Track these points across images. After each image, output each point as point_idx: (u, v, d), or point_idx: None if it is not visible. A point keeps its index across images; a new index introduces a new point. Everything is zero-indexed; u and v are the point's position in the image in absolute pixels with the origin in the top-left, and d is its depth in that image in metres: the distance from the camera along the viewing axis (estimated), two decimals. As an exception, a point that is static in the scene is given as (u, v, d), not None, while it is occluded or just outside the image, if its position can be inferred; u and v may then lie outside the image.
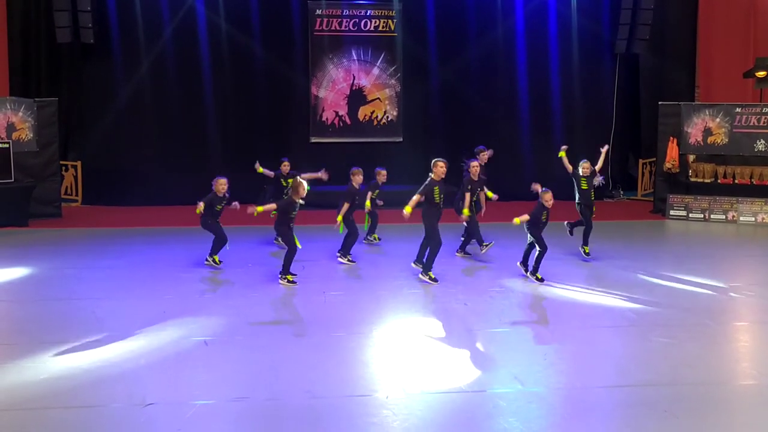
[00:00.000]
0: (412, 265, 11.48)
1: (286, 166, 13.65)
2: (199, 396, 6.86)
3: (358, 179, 12.33)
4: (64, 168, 18.05)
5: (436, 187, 10.72)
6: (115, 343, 8.26)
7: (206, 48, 18.55)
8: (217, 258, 11.84)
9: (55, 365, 7.59)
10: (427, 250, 11.04)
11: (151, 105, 18.62)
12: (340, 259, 12.23)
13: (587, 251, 12.53)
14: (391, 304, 10.04)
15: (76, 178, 18.47)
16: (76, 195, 18.48)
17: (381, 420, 6.42)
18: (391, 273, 11.64)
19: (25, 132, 16.31)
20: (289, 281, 10.76)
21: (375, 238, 13.71)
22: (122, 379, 7.24)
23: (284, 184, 13.10)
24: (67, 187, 18.31)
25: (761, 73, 17.72)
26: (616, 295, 10.47)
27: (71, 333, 8.57)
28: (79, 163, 18.42)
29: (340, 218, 11.87)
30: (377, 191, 13.10)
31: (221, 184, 11.75)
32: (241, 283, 10.99)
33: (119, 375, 7.36)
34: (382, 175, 13.14)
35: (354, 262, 12.25)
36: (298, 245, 10.73)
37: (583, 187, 12.39)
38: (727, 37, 19.83)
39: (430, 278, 10.93)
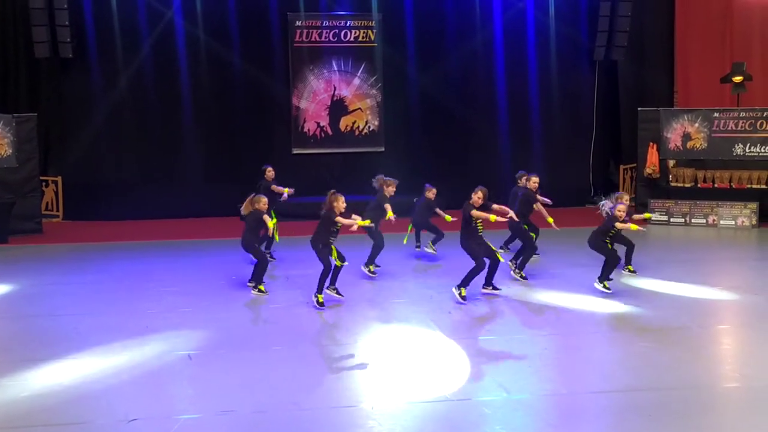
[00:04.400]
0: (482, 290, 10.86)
1: (270, 172, 13.10)
2: (184, 410, 6.82)
3: (390, 190, 11.99)
4: (44, 183, 17.93)
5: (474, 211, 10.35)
6: (98, 359, 8.20)
7: (186, 61, 18.51)
8: (262, 287, 10.99)
9: (37, 382, 7.52)
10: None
11: (131, 119, 18.55)
12: (363, 269, 11.95)
13: (631, 270, 12.08)
14: (376, 314, 10.03)
15: (56, 193, 18.35)
16: (57, 210, 18.35)
17: (366, 431, 6.41)
18: (375, 283, 11.65)
19: (4, 148, 16.18)
20: (319, 302, 10.19)
21: (432, 249, 13.25)
22: (105, 395, 7.18)
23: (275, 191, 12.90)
24: (47, 202, 18.19)
25: (738, 78, 17.91)
26: (599, 300, 10.51)
27: (53, 349, 8.50)
28: (59, 178, 18.31)
29: (367, 222, 10.95)
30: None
31: (264, 204, 10.97)
32: (225, 296, 10.94)
33: (102, 391, 7.30)
34: (432, 192, 12.93)
35: (374, 273, 11.94)
36: (338, 263, 10.27)
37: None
38: (704, 42, 20.02)
39: (461, 295, 10.40)
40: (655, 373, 7.71)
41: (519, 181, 13.20)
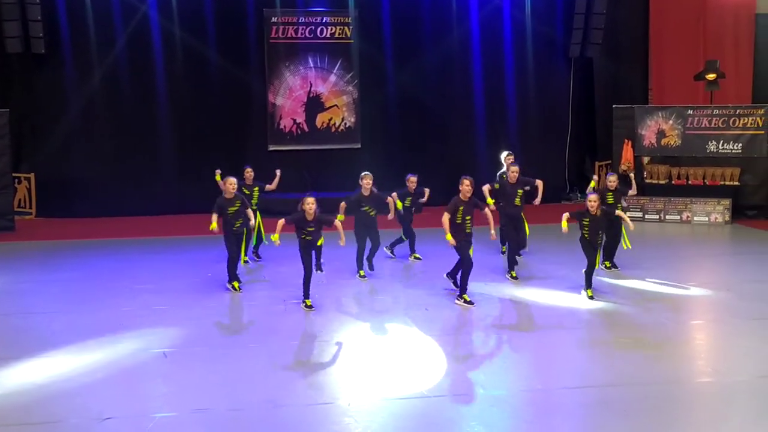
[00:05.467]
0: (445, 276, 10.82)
1: (249, 173, 12.71)
2: (159, 408, 6.77)
3: (365, 184, 11.59)
4: (16, 180, 17.73)
5: (461, 207, 9.95)
6: (72, 357, 8.12)
7: (161, 57, 18.38)
8: (236, 284, 10.93)
9: (9, 381, 7.44)
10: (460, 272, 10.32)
11: (104, 115, 18.38)
12: (357, 276, 11.69)
13: (608, 266, 12.11)
14: (353, 311, 10.02)
15: (29, 190, 18.16)
16: (30, 207, 18.16)
17: (343, 428, 6.40)
18: (351, 280, 11.62)
19: (-24, 144, 15.99)
20: (307, 306, 9.96)
21: (415, 257, 12.87)
22: (79, 394, 7.11)
23: (246, 192, 12.28)
24: (20, 199, 18.00)
25: (711, 76, 18.08)
26: (575, 297, 10.56)
27: (26, 348, 8.41)
28: (32, 175, 18.11)
29: (341, 217, 10.83)
30: (409, 199, 12.51)
31: (230, 184, 10.62)
32: (200, 294, 10.87)
33: (76, 389, 7.23)
34: (412, 182, 12.51)
35: (365, 278, 11.68)
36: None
37: (609, 201, 11.58)
38: (678, 40, 20.20)
39: (466, 301, 10.15)
40: (630, 368, 7.76)
41: (504, 162, 13.07)
